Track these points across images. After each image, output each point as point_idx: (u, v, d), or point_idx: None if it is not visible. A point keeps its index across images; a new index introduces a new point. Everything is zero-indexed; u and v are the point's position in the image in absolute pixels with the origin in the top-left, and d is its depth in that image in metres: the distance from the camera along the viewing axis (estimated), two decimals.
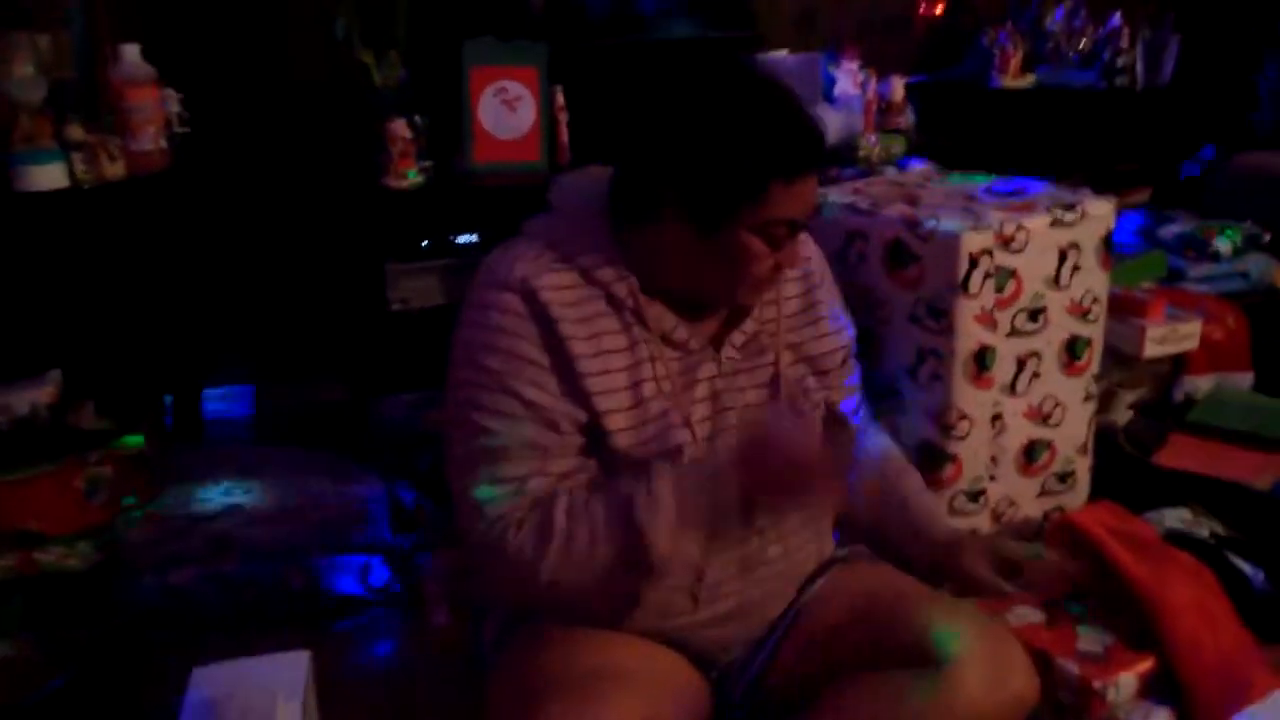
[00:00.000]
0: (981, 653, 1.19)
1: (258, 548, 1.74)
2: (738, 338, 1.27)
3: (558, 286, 1.18)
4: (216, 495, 1.85)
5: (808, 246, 1.38)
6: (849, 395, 1.43)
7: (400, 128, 2.16)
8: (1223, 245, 2.35)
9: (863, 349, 1.67)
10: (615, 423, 1.19)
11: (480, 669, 1.33)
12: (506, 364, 1.16)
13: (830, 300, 1.39)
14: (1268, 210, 2.61)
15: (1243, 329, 2.12)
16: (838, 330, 1.38)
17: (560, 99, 2.37)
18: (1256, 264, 2.37)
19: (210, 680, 1.25)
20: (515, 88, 2.31)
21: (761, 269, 1.18)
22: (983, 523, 1.72)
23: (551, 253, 1.20)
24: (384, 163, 2.20)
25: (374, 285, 2.20)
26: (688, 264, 1.18)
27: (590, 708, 1.11)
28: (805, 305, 1.35)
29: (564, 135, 2.39)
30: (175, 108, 2.10)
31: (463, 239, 2.30)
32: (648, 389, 1.20)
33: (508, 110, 2.31)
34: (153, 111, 2.00)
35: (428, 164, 2.27)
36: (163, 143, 2.01)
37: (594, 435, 1.20)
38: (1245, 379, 2.11)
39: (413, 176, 2.21)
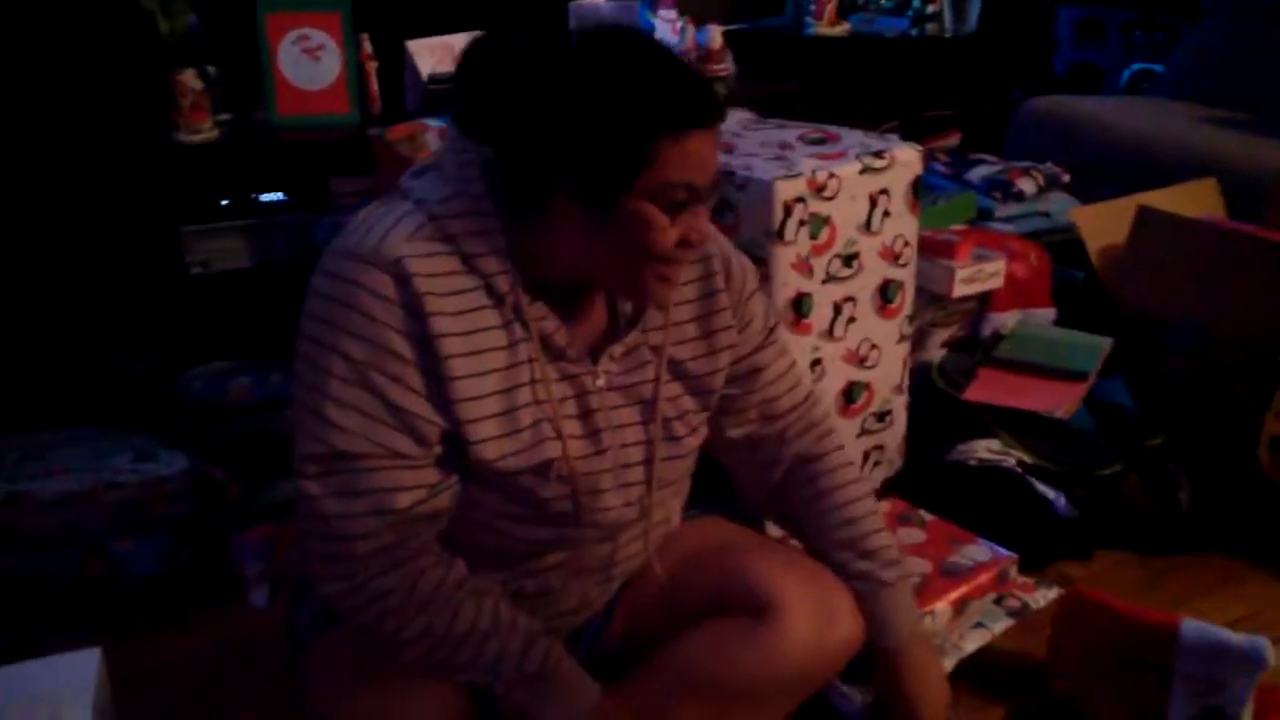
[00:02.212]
0: (808, 600, 1.21)
1: (45, 536, 1.62)
2: (618, 349, 1.15)
3: (435, 273, 1.02)
4: None
5: (718, 241, 1.25)
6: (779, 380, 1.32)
7: (189, 79, 2.01)
8: (1026, 186, 2.44)
9: None
10: (482, 432, 1.06)
11: (295, 654, 1.27)
12: (370, 354, 1.01)
13: (731, 310, 1.23)
14: (1063, 151, 2.75)
15: (1045, 266, 2.22)
16: (729, 346, 1.24)
17: (368, 47, 2.26)
18: (1057, 203, 2.48)
19: None
20: (317, 35, 2.18)
21: (665, 241, 1.04)
22: None
23: (433, 227, 1.04)
24: (174, 117, 2.05)
25: (170, 248, 2.05)
26: (585, 253, 1.06)
27: (404, 698, 1.09)
28: (699, 313, 1.22)
29: (374, 85, 2.28)
30: None
31: (268, 197, 2.18)
32: (522, 396, 1.08)
33: (310, 59, 2.18)
34: None
35: (225, 117, 2.13)
36: None
37: (456, 444, 1.06)
38: (1048, 314, 2.21)
39: (207, 130, 2.06)
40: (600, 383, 1.14)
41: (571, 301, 1.12)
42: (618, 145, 1.00)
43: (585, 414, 1.14)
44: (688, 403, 1.21)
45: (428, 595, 1.07)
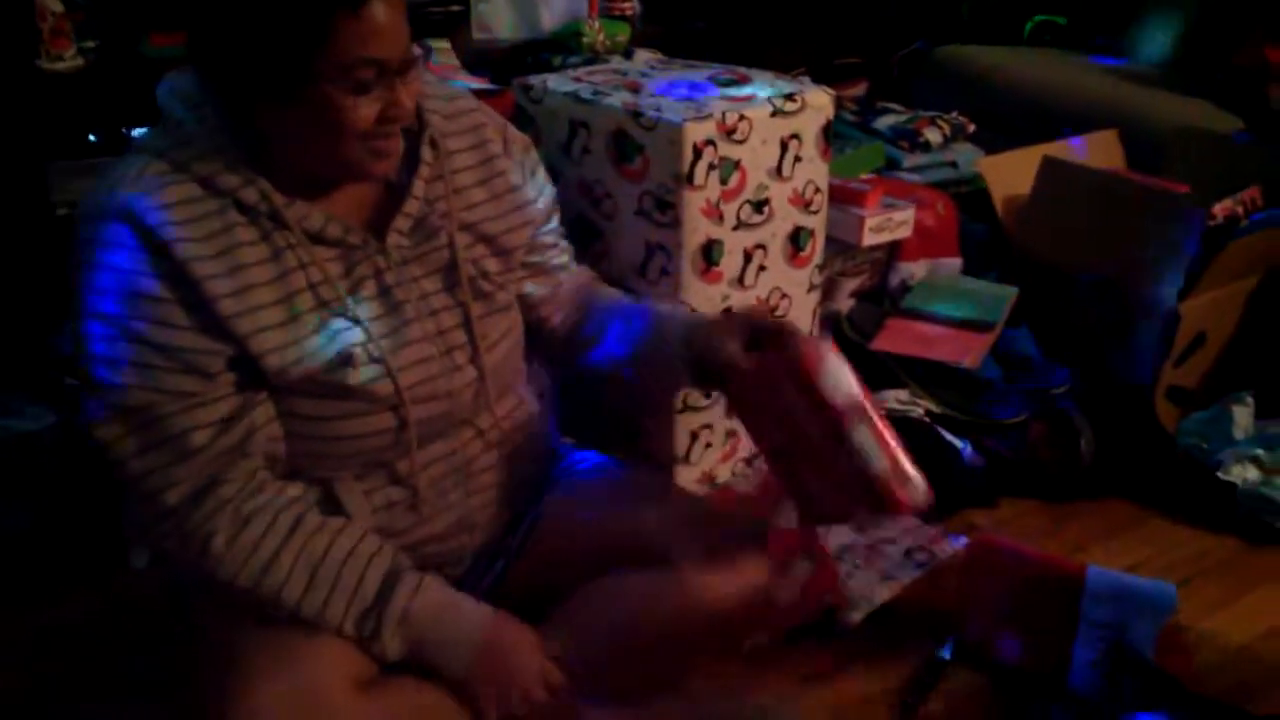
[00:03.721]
0: (707, 550, 1.19)
1: None
2: (403, 222, 1.14)
3: (170, 204, 1.01)
4: None
5: (488, 113, 1.25)
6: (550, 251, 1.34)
7: (50, 1, 1.85)
8: (933, 136, 2.43)
9: (591, 247, 1.61)
10: (267, 343, 1.05)
11: (182, 615, 1.19)
12: (124, 306, 1.01)
13: (515, 170, 1.26)
14: (969, 100, 2.75)
15: (951, 216, 2.21)
16: (521, 205, 1.25)
17: None
18: (963, 154, 2.48)
19: None
20: None
21: (358, 121, 1.02)
22: (718, 416, 1.72)
23: (162, 165, 1.03)
24: (35, 43, 1.89)
25: (35, 186, 1.91)
26: (294, 143, 1.05)
27: (299, 656, 1.04)
28: (483, 177, 1.22)
29: None
30: None
31: (141, 132, 2.03)
32: (303, 300, 1.07)
33: None
34: None
35: (91, 44, 1.97)
36: None
37: (248, 365, 1.06)
38: (955, 264, 2.21)
39: (70, 58, 1.91)
40: (393, 257, 1.13)
41: (327, 185, 1.10)
42: (287, 28, 0.97)
43: (384, 291, 1.13)
44: (491, 263, 1.22)
45: (257, 537, 1.06)
